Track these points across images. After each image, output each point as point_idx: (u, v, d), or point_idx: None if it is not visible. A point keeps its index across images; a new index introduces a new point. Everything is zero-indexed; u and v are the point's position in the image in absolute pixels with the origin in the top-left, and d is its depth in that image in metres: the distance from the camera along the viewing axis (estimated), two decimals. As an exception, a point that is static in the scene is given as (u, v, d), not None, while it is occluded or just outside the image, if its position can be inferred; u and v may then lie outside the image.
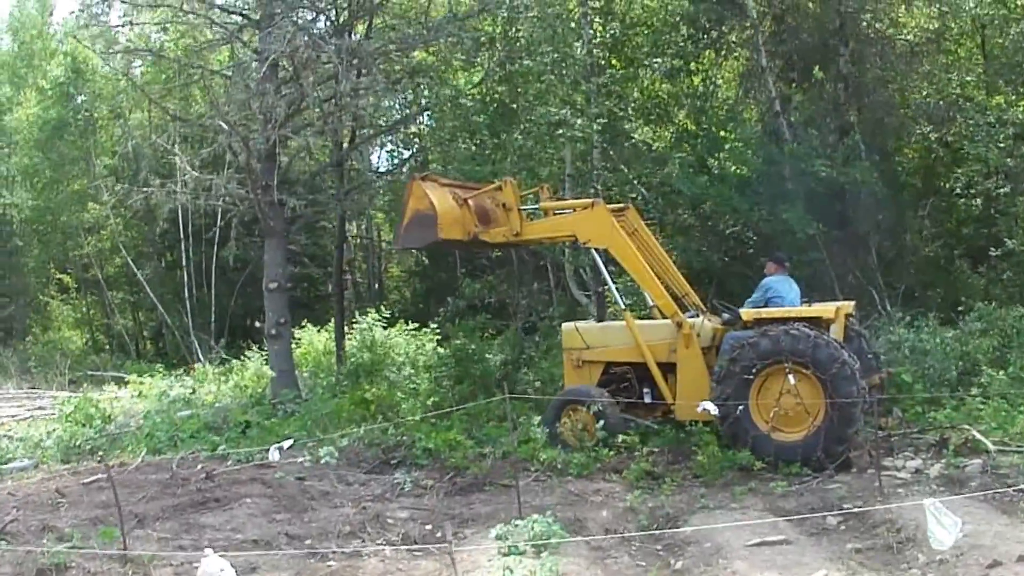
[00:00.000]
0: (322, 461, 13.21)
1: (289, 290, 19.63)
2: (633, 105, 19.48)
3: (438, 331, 22.14)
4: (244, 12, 18.76)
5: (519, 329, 20.52)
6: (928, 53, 20.93)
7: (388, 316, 23.19)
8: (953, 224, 21.74)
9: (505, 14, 19.25)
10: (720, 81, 22.77)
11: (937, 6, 20.03)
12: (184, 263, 35.74)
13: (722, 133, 18.96)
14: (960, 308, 16.86)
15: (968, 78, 20.03)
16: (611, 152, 19.42)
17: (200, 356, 30.66)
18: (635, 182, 20.10)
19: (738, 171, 19.07)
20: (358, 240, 36.52)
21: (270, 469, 13.10)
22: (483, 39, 19.94)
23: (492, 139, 20.23)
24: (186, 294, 35.23)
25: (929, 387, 14.19)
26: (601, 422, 12.72)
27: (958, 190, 19.92)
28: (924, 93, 20.86)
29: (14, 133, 40.17)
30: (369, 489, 12.15)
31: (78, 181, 37.72)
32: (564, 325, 14.69)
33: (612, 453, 12.46)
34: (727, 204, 18.81)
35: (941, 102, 20.29)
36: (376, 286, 37.91)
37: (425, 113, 23.25)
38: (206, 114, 18.82)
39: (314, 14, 18.65)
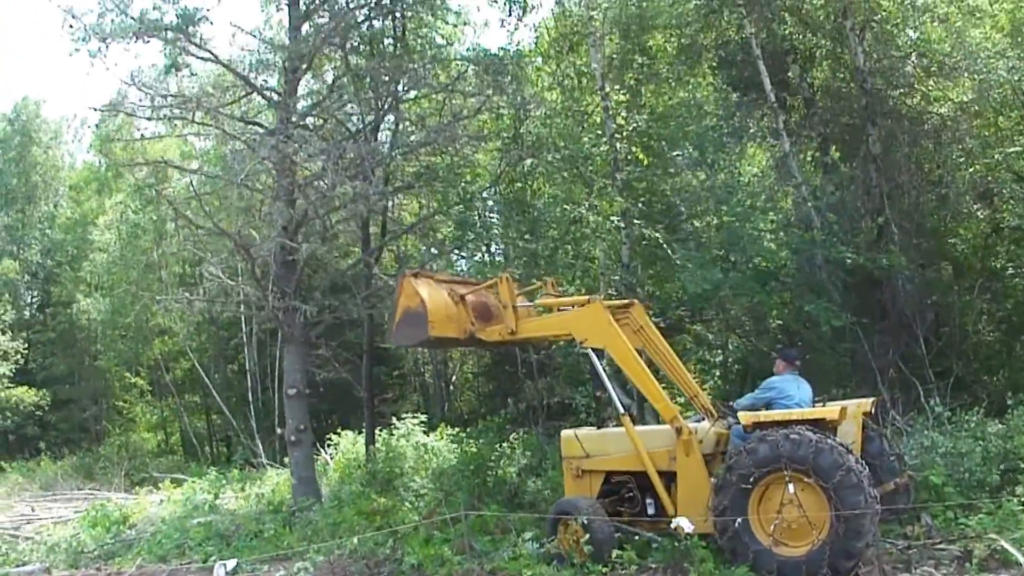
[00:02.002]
0: (297, 576, 12.69)
1: (309, 395, 19.38)
2: (642, 202, 18.82)
3: (480, 435, 21.40)
4: (258, 122, 18.87)
5: (540, 434, 19.72)
6: (966, 127, 19.95)
7: (425, 420, 22.74)
8: (1013, 307, 20.41)
9: (510, 112, 19.02)
10: (756, 169, 22.18)
11: (973, 77, 19.04)
12: (249, 367, 36.07)
13: (746, 225, 18.16)
14: (1009, 401, 15.61)
15: (1012, 150, 18.95)
16: (638, 249, 18.84)
17: (264, 459, 30.70)
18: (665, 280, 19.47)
19: (764, 263, 18.24)
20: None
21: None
22: (493, 138, 19.77)
23: (514, 241, 19.83)
24: (250, 397, 35.45)
25: (965, 490, 13.00)
26: (588, 536, 11.85)
27: (1011, 269, 18.82)
28: (972, 168, 19.90)
29: (97, 240, 41.53)
30: (346, 611, 11.63)
31: (149, 286, 38.46)
32: (563, 432, 13.94)
33: (607, 569, 11.60)
34: (748, 298, 17.99)
35: (988, 176, 19.34)
36: (444, 386, 37.42)
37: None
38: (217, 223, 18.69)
39: (324, 120, 18.53)
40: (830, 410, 11.49)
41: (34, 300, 49.10)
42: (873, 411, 12.59)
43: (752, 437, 11.29)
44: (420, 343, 14.19)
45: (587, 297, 13.51)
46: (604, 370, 13.60)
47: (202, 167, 27.63)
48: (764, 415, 11.68)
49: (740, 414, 11.92)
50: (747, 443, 11.23)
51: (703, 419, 12.79)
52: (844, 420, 11.59)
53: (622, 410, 13.04)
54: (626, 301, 14.13)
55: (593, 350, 13.12)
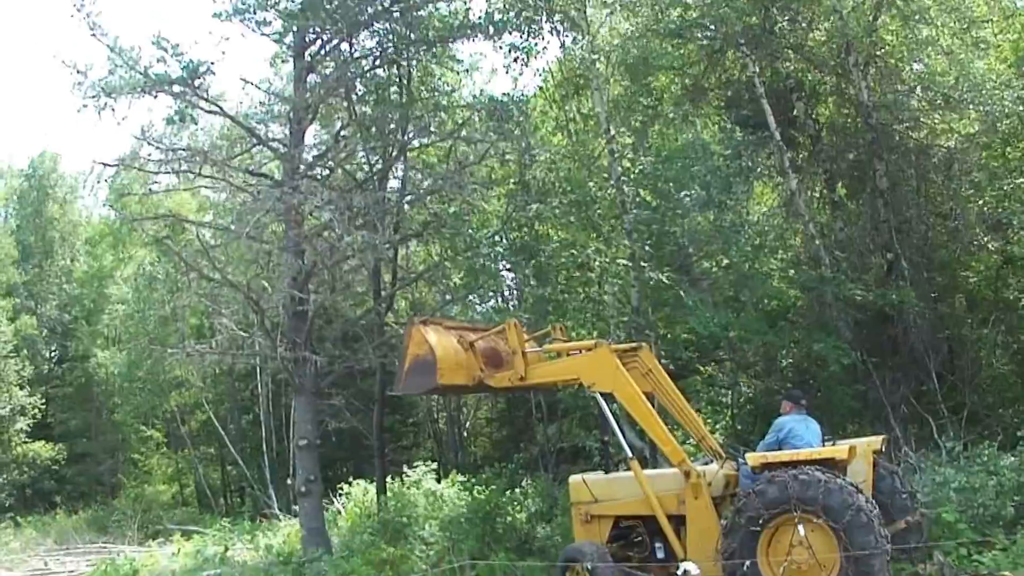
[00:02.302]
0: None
1: (322, 445, 19.36)
2: (649, 245, 18.80)
3: (490, 482, 21.24)
4: (265, 174, 19.01)
5: (550, 479, 19.60)
6: (973, 159, 19.91)
7: (436, 467, 22.64)
8: (1028, 338, 20.27)
9: (516, 157, 19.11)
10: (764, 208, 22.16)
11: (979, 109, 19.00)
12: (263, 417, 36.08)
13: (755, 264, 18.12)
14: (1021, 433, 15.41)
15: (1021, 180, 18.88)
16: (648, 292, 18.79)
17: (276, 510, 30.63)
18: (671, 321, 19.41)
19: (776, 302, 18.17)
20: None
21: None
22: (500, 184, 19.84)
23: (524, 286, 19.85)
24: (264, 448, 35.41)
25: (979, 525, 12.83)
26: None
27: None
28: (981, 200, 19.83)
29: (115, 293, 41.74)
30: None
31: (166, 338, 38.51)
32: (571, 478, 13.87)
33: (614, 616, 11.48)
34: (757, 338, 17.88)
35: (998, 208, 19.27)
36: (457, 432, 37.21)
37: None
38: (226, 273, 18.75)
39: (331, 171, 18.66)
40: (839, 449, 11.40)
41: (52, 355, 49.34)
42: (883, 449, 12.48)
43: (761, 478, 11.19)
44: (429, 391, 14.16)
45: (594, 342, 13.47)
46: (614, 414, 13.52)
47: (215, 219, 27.74)
48: (773, 456, 11.59)
49: (748, 455, 11.85)
50: (756, 484, 11.13)
51: (711, 461, 12.70)
52: (854, 459, 11.50)
53: (630, 454, 12.96)
54: (634, 344, 14.08)
55: (601, 394, 13.05)
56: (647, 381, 13.19)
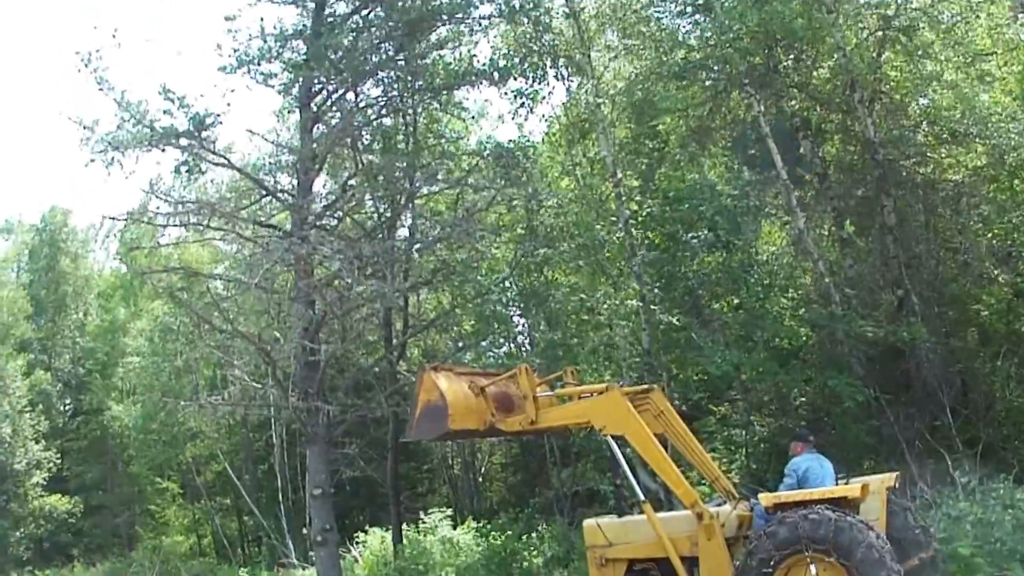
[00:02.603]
0: None
1: (338, 494, 19.34)
2: (659, 287, 18.85)
3: (505, 527, 21.12)
4: (273, 224, 19.17)
5: (566, 524, 19.52)
6: (981, 193, 19.94)
7: (452, 514, 22.58)
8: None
9: (523, 202, 19.23)
10: (773, 247, 22.19)
11: (985, 142, 19.06)
12: (279, 467, 36.05)
13: (766, 304, 18.15)
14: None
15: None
16: (658, 334, 18.81)
17: (294, 559, 30.54)
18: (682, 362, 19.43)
19: (787, 341, 18.16)
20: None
21: None
22: (508, 230, 19.95)
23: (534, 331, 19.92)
24: (280, 497, 35.34)
25: (996, 560, 12.73)
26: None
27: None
28: (990, 233, 19.85)
29: (131, 344, 41.91)
30: None
31: (181, 390, 38.60)
32: (585, 522, 13.76)
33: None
34: (769, 377, 17.87)
35: (1007, 240, 19.28)
36: (472, 477, 37.05)
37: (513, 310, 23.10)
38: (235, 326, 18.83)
39: (339, 220, 18.83)
40: (852, 488, 11.34)
41: (67, 409, 49.34)
42: (896, 485, 12.41)
43: (772, 519, 11.15)
44: (441, 436, 14.07)
45: (605, 385, 13.46)
46: (626, 457, 13.48)
47: (227, 271, 27.91)
48: (785, 495, 11.54)
49: (761, 495, 11.79)
50: (767, 526, 11.08)
51: (725, 502, 12.65)
52: (867, 496, 11.44)
53: (642, 497, 12.91)
54: (645, 386, 14.05)
55: (613, 437, 13.02)
56: (659, 423, 13.11)
